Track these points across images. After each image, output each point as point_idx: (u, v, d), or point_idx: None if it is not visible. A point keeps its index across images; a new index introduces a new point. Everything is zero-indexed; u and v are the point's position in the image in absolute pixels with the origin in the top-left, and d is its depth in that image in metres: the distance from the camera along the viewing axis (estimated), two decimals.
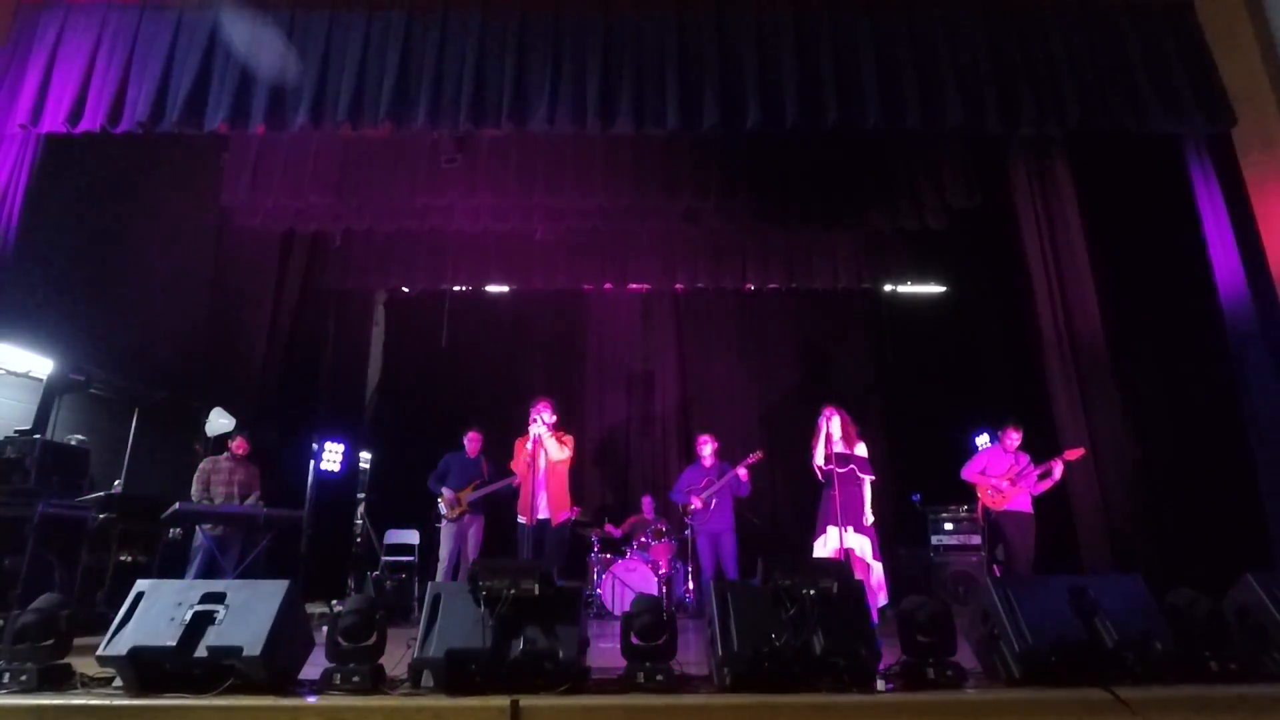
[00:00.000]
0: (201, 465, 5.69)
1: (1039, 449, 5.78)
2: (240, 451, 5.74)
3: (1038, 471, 5.59)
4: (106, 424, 6.14)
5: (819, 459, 5.35)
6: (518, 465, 5.40)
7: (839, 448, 5.31)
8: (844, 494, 5.13)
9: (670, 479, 7.06)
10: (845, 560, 4.70)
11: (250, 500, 5.63)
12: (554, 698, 2.38)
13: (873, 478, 5.38)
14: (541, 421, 5.16)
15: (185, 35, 4.51)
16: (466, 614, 2.58)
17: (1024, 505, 5.64)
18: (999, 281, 7.36)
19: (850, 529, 5.07)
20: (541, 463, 5.10)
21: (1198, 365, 5.02)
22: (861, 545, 5.12)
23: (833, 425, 5.35)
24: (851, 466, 5.28)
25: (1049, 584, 2.74)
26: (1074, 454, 5.57)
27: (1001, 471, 5.69)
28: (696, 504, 6.30)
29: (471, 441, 6.10)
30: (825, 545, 5.24)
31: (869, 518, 5.27)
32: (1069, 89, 4.42)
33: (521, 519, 5.21)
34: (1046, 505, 5.81)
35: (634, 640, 2.61)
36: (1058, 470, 5.55)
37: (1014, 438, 5.77)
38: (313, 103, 4.40)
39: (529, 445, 5.12)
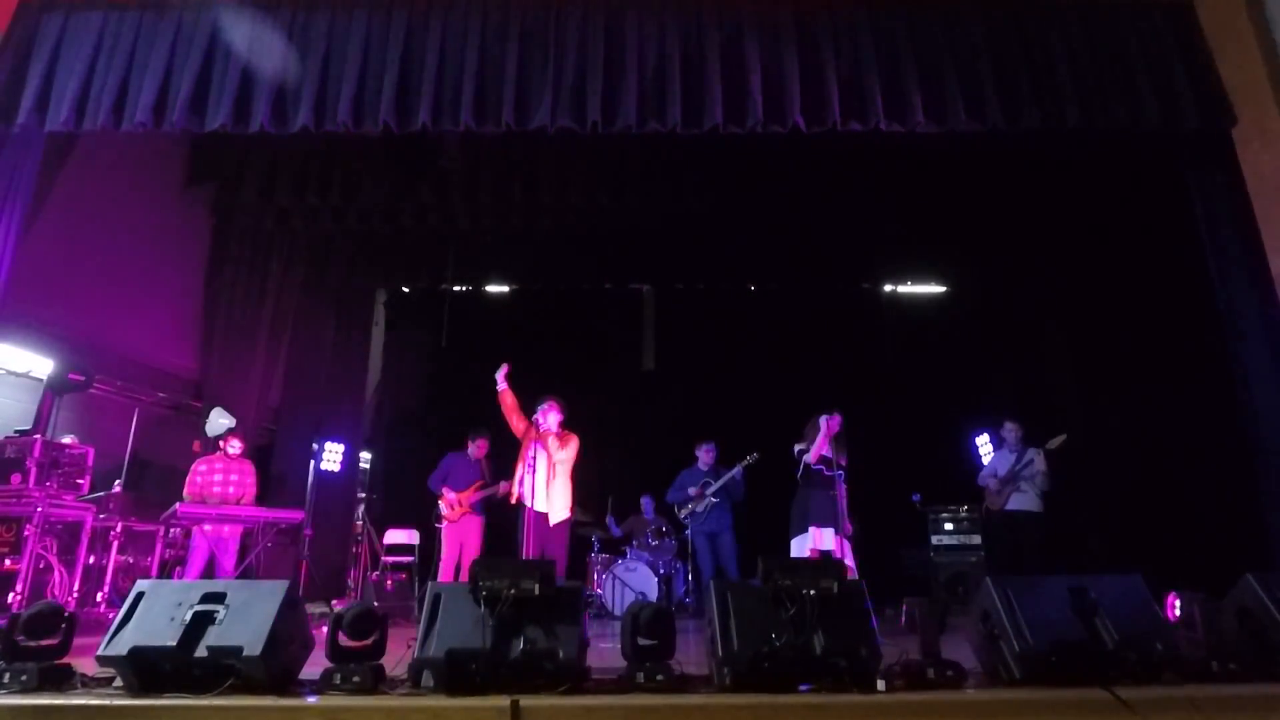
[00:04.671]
0: (194, 465, 5.68)
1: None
2: (234, 450, 5.73)
3: (1026, 468, 5.53)
4: (106, 424, 6.14)
5: (810, 457, 5.35)
6: (522, 450, 5.35)
7: (830, 452, 5.32)
8: (836, 497, 5.14)
9: (670, 479, 7.05)
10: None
11: (245, 499, 5.62)
12: (554, 698, 2.38)
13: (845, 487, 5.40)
14: (547, 420, 5.16)
15: (186, 35, 4.51)
16: (466, 614, 2.58)
17: (1026, 504, 5.57)
18: (999, 281, 7.37)
19: (831, 531, 5.08)
20: (543, 461, 5.10)
21: (1198, 365, 5.02)
22: (842, 548, 5.12)
23: (834, 429, 5.35)
24: (839, 471, 5.29)
25: (1049, 584, 2.74)
26: (1054, 443, 5.53)
27: (1005, 471, 5.68)
28: (694, 493, 6.29)
29: (479, 448, 6.09)
30: (804, 545, 5.23)
31: (849, 524, 5.28)
32: (1069, 89, 4.42)
33: (525, 502, 5.17)
34: (1048, 505, 5.80)
35: (636, 641, 2.61)
36: (1039, 461, 5.50)
37: (1010, 431, 5.74)
38: (313, 103, 4.40)
39: (533, 444, 5.11)
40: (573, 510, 5.32)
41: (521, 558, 4.98)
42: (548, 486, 5.09)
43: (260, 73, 4.42)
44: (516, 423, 5.28)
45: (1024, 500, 5.58)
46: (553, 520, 5.08)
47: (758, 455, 6.27)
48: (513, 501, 5.28)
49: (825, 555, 4.95)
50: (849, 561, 5.07)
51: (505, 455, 5.85)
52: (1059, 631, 2.55)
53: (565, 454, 5.20)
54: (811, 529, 5.21)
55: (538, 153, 6.31)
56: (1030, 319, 6.59)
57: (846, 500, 5.32)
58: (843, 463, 5.38)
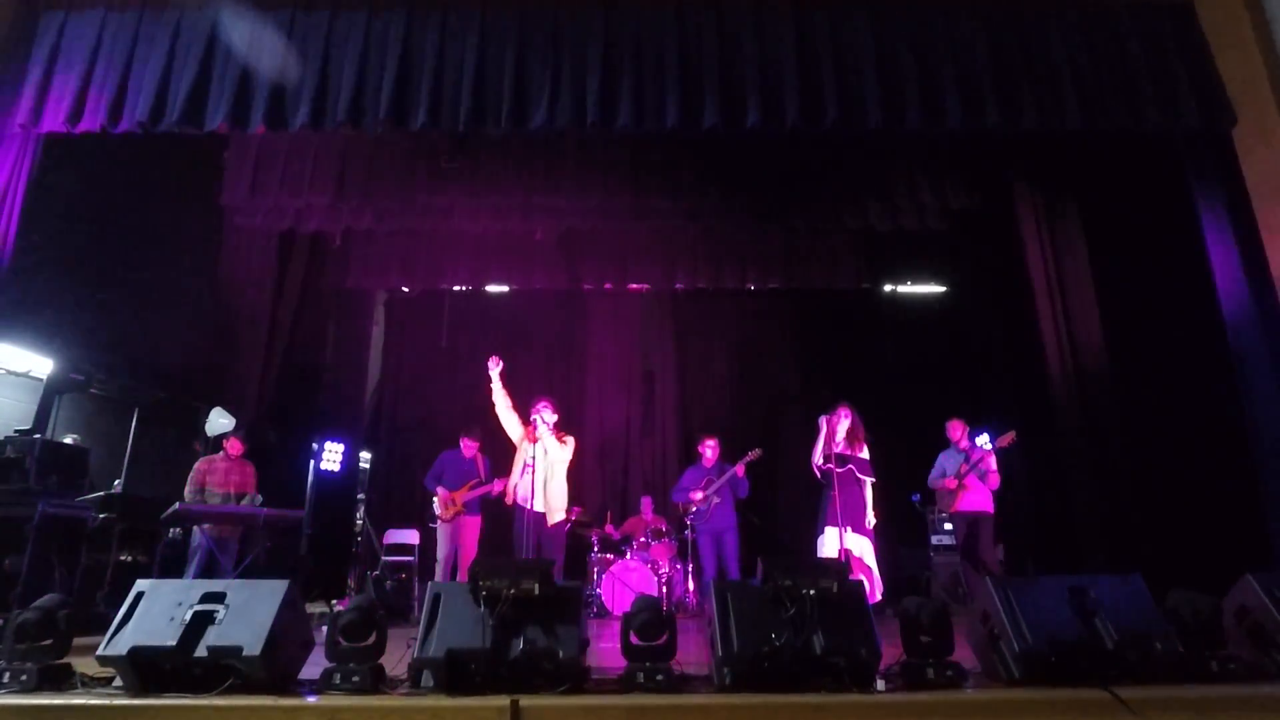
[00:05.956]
0: (196, 465, 5.68)
1: (1038, 449, 5.76)
2: (235, 452, 5.73)
3: (975, 467, 5.45)
4: (106, 424, 6.14)
5: (817, 458, 5.35)
6: (518, 455, 5.34)
7: (840, 448, 5.30)
8: (843, 494, 5.12)
9: (670, 479, 7.06)
10: (845, 561, 4.69)
11: (247, 500, 5.62)
12: (554, 698, 2.38)
13: (873, 480, 5.36)
14: (543, 420, 5.15)
15: (185, 35, 4.52)
16: (466, 614, 2.58)
17: (977, 505, 5.45)
18: (999, 281, 7.37)
19: (849, 529, 5.06)
20: (541, 461, 5.10)
21: (1198, 365, 5.02)
22: (861, 546, 5.11)
23: (839, 425, 5.33)
24: (850, 467, 5.27)
25: (1049, 584, 2.74)
26: (1004, 441, 5.47)
27: (953, 471, 5.61)
28: (696, 498, 6.29)
29: (467, 447, 6.10)
30: (825, 546, 5.23)
31: (870, 520, 5.25)
32: (1069, 89, 4.42)
33: (522, 504, 5.16)
34: (1048, 505, 5.78)
35: (634, 640, 2.61)
36: (989, 461, 5.44)
37: (957, 431, 5.68)
38: (312, 103, 4.40)
39: (531, 441, 5.11)
40: (568, 510, 5.32)
41: (518, 557, 4.99)
42: (546, 487, 5.09)
43: (259, 73, 4.42)
44: (514, 426, 5.25)
45: (975, 500, 5.47)
46: (550, 520, 5.08)
47: (760, 451, 6.28)
48: (509, 503, 5.27)
49: (846, 555, 4.95)
50: (869, 561, 5.06)
51: (499, 453, 5.86)
52: (1059, 631, 2.55)
53: (564, 453, 5.20)
54: (827, 529, 5.21)
55: (537, 152, 6.31)
56: (1030, 319, 6.58)
57: (870, 493, 5.28)
58: (860, 455, 5.35)
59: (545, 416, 5.17)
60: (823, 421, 5.40)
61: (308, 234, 7.47)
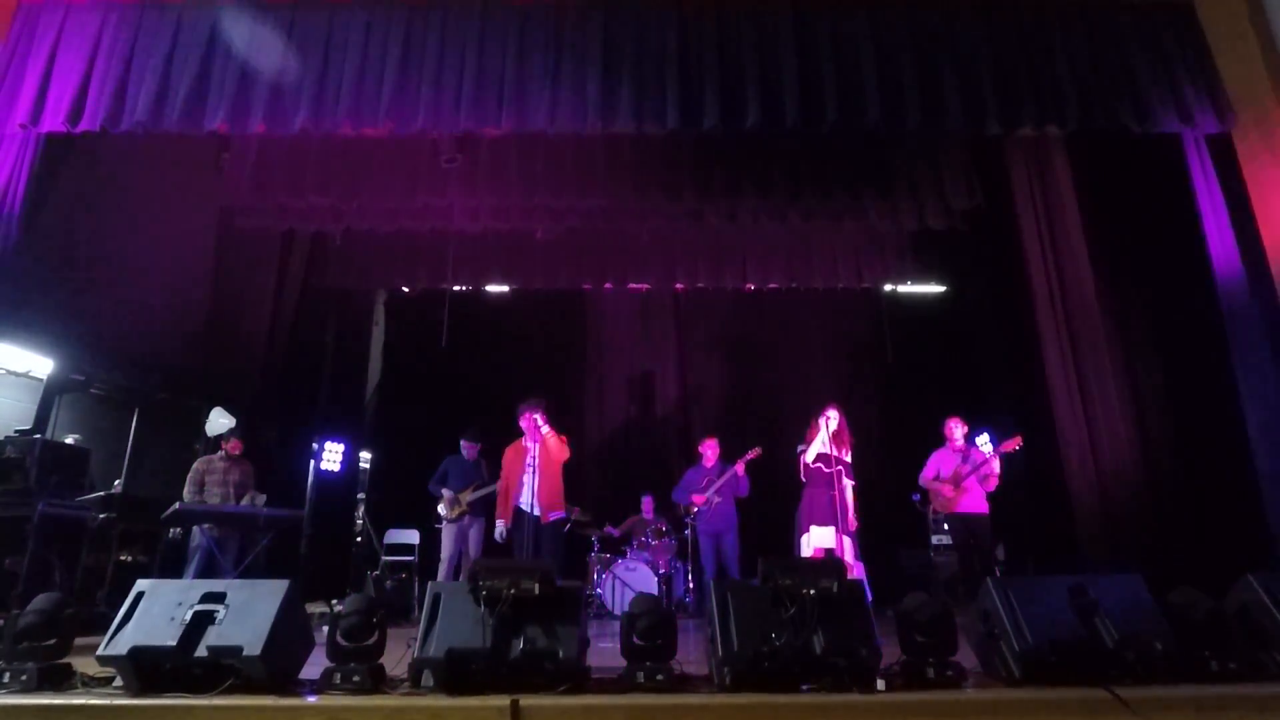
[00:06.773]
0: (195, 465, 5.68)
1: (1037, 449, 5.75)
2: (234, 452, 5.73)
3: (977, 470, 5.43)
4: (106, 424, 6.14)
5: (809, 457, 5.35)
6: (512, 466, 5.37)
7: (829, 449, 5.31)
8: (829, 494, 5.14)
9: (670, 479, 7.05)
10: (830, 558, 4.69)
11: (247, 499, 5.62)
12: (554, 698, 2.38)
13: (854, 483, 5.37)
14: (540, 422, 5.17)
15: (185, 35, 4.51)
16: (466, 614, 2.58)
17: (975, 506, 5.41)
18: (999, 281, 7.36)
19: (832, 529, 5.08)
20: (541, 462, 5.11)
21: (1198, 364, 5.02)
22: (844, 546, 5.13)
23: (830, 425, 5.34)
24: (839, 468, 5.28)
25: (1049, 584, 2.74)
26: (1009, 445, 5.44)
27: (949, 472, 5.58)
28: (697, 501, 6.30)
29: (468, 450, 6.13)
30: (809, 544, 5.23)
31: (853, 520, 5.26)
32: (1069, 89, 4.42)
33: (500, 521, 5.27)
34: (1048, 505, 5.76)
35: (634, 640, 2.61)
36: (993, 463, 5.42)
37: (955, 430, 5.65)
38: (313, 102, 4.40)
39: (531, 443, 5.13)
40: (569, 510, 5.34)
41: (518, 558, 5.00)
42: (543, 486, 5.10)
43: (259, 72, 4.41)
44: (562, 449, 5.26)
45: (972, 502, 5.43)
46: (544, 519, 5.10)
47: (760, 450, 6.28)
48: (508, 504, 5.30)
49: (828, 554, 4.97)
50: (850, 559, 5.07)
51: (497, 455, 5.85)
52: (1059, 631, 2.55)
53: (563, 453, 5.23)
54: (812, 528, 5.21)
55: (537, 152, 6.31)
56: (1030, 318, 6.58)
57: (851, 496, 5.30)
58: (845, 458, 5.37)
59: (539, 418, 5.19)
60: (819, 420, 5.42)
61: (308, 234, 7.47)
